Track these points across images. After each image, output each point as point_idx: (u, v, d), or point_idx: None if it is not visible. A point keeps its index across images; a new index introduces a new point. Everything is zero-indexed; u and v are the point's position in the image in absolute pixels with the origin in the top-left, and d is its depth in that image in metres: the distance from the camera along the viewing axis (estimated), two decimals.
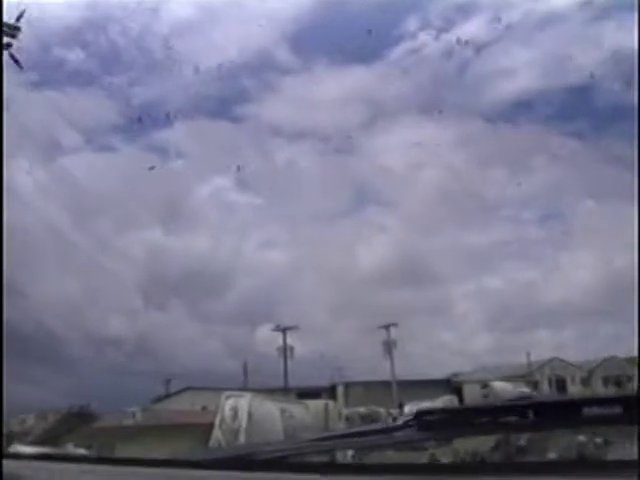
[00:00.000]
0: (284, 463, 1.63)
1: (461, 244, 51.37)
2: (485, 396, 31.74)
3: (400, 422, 1.73)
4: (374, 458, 2.74)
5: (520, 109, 53.35)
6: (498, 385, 32.77)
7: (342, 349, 48.89)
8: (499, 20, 38.91)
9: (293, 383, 41.43)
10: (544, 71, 42.57)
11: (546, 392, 40.56)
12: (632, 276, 19.09)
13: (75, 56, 36.57)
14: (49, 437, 19.06)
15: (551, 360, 45.30)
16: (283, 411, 18.75)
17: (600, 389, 41.52)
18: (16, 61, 12.20)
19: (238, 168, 38.38)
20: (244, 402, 17.80)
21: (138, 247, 49.21)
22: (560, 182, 48.11)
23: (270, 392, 27.88)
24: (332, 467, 1.50)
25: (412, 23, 42.73)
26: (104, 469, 1.60)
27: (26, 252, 32.19)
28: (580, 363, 45.06)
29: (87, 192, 43.14)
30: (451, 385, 39.84)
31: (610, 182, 38.06)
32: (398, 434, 1.68)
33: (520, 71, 45.22)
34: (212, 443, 16.47)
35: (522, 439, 9.93)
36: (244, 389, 27.57)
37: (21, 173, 32.35)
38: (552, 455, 10.01)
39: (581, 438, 11.07)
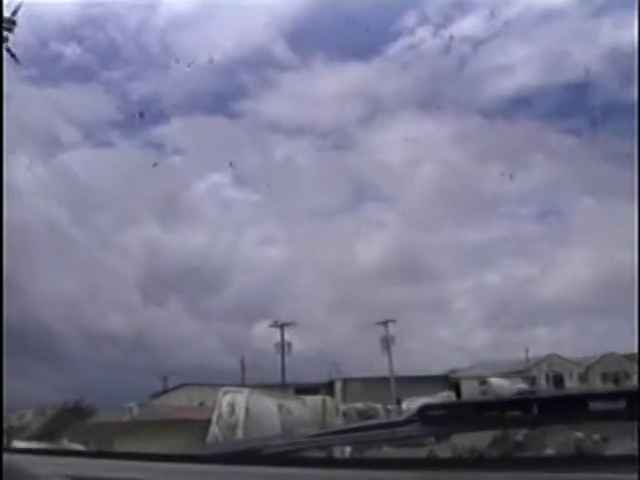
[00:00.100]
0: (282, 458, 1.63)
1: (459, 240, 51.36)
2: (483, 392, 31.84)
3: (404, 417, 1.72)
4: (375, 454, 2.74)
5: (518, 105, 53.14)
6: (496, 381, 32.92)
7: (340, 345, 48.99)
8: (497, 16, 38.89)
9: (291, 379, 41.51)
10: (542, 67, 42.44)
11: (543, 388, 40.65)
12: (630, 273, 19.12)
13: (72, 51, 36.39)
14: (46, 433, 19.08)
15: (549, 356, 45.42)
16: (281, 407, 18.77)
17: (598, 386, 41.59)
18: (13, 55, 12.17)
19: (230, 164, 38.33)
20: (241, 398, 17.80)
21: (136, 243, 49.07)
22: (558, 179, 48.06)
23: (268, 388, 27.89)
24: (330, 462, 1.49)
25: (410, 19, 42.58)
26: (103, 463, 1.59)
27: (23, 248, 32.13)
28: (578, 359, 45.17)
29: (85, 188, 43.10)
30: (449, 381, 39.95)
31: (608, 179, 38.01)
32: (402, 429, 1.68)
33: (518, 67, 45.10)
34: (209, 439, 16.48)
35: (519, 435, 9.95)
36: (242, 385, 27.59)
37: (19, 169, 32.25)
38: (550, 451, 10.03)
39: (578, 434, 11.09)
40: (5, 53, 12.41)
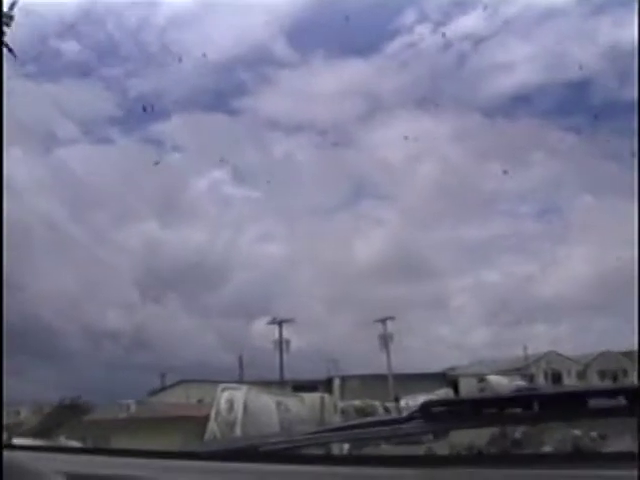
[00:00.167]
0: (280, 455, 1.63)
1: (459, 238, 51.53)
2: (481, 390, 31.85)
3: (403, 414, 1.72)
4: (373, 451, 2.73)
5: (518, 103, 53.39)
6: (494, 379, 32.87)
7: (338, 342, 49.00)
8: (497, 14, 38.88)
9: (289, 376, 41.52)
10: (542, 65, 42.56)
11: (542, 386, 40.66)
12: (630, 271, 19.11)
13: (72, 48, 36.28)
14: (43, 430, 19.07)
15: (547, 354, 45.44)
16: (279, 404, 18.78)
17: (596, 383, 41.62)
18: (10, 50, 12.10)
19: (221, 159, 38.26)
20: (240, 395, 17.80)
21: (135, 240, 49.18)
22: (558, 176, 48.20)
23: (266, 385, 27.92)
24: (329, 459, 1.49)
25: (409, 17, 42.64)
26: (101, 460, 1.59)
27: (21, 245, 32.10)
28: (577, 357, 45.21)
29: (83, 185, 43.12)
30: (447, 379, 39.96)
31: (608, 177, 38.10)
32: (401, 426, 1.67)
33: (518, 65, 45.17)
34: (208, 436, 16.48)
35: (518, 432, 9.97)
36: (240, 382, 27.58)
37: (18, 166, 32.23)
38: (548, 448, 10.04)
39: (577, 432, 11.11)
40: (3, 49, 12.39)
